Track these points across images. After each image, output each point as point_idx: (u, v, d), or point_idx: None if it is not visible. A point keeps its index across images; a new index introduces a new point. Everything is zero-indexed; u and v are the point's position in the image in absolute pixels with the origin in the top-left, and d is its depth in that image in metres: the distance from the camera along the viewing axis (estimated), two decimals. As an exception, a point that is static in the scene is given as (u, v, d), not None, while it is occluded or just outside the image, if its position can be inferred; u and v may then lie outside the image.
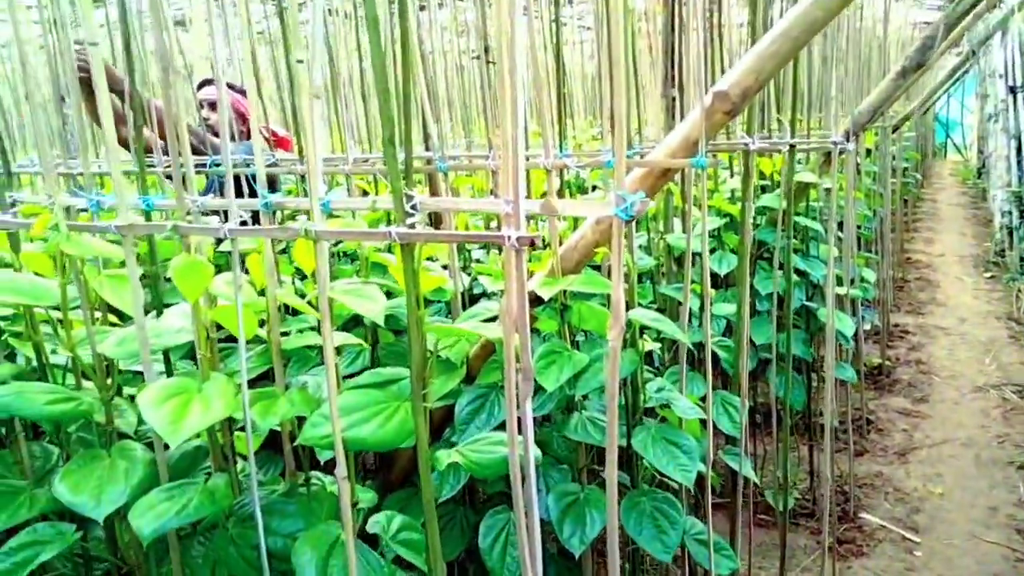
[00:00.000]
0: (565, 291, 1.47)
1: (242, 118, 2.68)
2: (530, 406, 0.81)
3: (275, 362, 1.08)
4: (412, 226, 0.91)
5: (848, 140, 2.12)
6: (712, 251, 2.96)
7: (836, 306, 2.56)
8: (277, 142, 2.76)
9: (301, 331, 1.27)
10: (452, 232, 0.82)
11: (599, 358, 1.46)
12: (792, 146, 1.96)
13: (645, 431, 1.46)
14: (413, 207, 0.89)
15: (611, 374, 0.84)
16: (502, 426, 1.56)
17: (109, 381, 1.09)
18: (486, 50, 1.57)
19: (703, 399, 2.14)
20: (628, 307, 1.51)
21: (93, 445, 1.09)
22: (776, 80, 2.32)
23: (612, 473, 0.87)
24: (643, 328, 1.54)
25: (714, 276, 2.69)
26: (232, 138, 2.68)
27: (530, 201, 0.82)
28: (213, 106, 2.62)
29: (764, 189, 3.24)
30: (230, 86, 2.61)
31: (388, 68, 1.65)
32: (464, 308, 1.73)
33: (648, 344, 1.56)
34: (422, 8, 3.09)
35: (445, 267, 1.78)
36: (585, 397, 1.55)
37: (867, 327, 4.05)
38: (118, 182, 0.99)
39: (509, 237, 0.73)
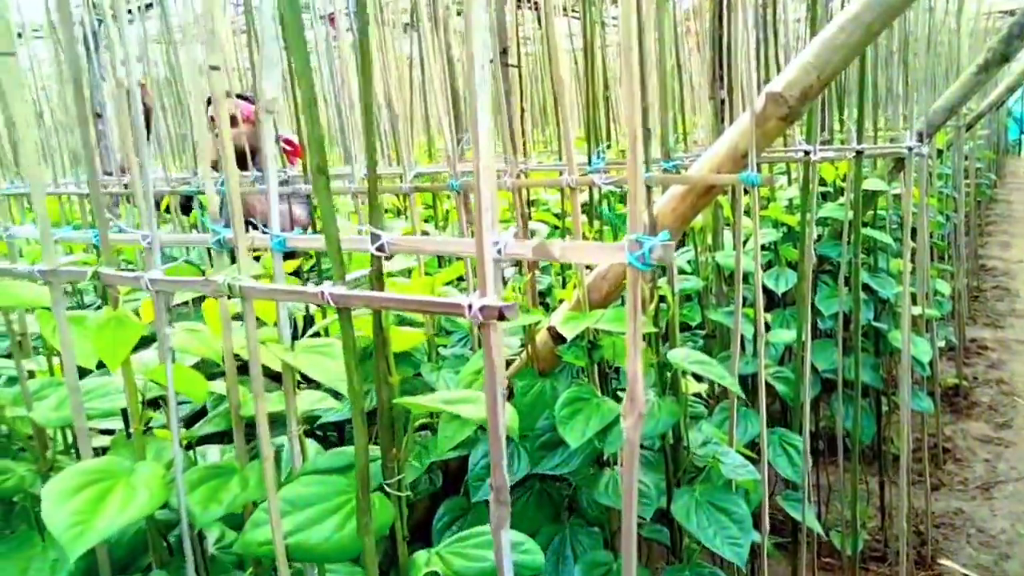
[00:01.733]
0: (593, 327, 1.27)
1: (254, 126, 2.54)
2: (507, 538, 0.61)
3: (235, 428, 0.91)
4: (378, 274, 0.73)
5: (922, 142, 1.86)
6: (768, 267, 2.71)
7: (910, 327, 2.29)
8: (292, 152, 2.59)
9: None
10: (398, 297, 0.62)
11: (633, 406, 1.25)
12: (859, 152, 1.72)
13: (688, 494, 1.24)
14: (380, 248, 0.70)
15: (627, 470, 0.63)
16: (523, 482, 1.36)
17: (48, 452, 0.93)
18: (504, 52, 1.38)
19: (758, 440, 1.91)
20: (663, 338, 1.30)
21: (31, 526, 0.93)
22: (838, 78, 2.07)
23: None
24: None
25: (771, 295, 2.45)
26: (253, 156, 2.53)
27: (516, 243, 0.62)
28: (233, 120, 2.47)
29: (825, 197, 2.97)
30: (240, 96, 2.48)
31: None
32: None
33: (693, 386, 1.34)
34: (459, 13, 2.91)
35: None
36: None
37: (941, 343, 3.72)
38: (42, 216, 0.83)
39: (470, 306, 0.53)
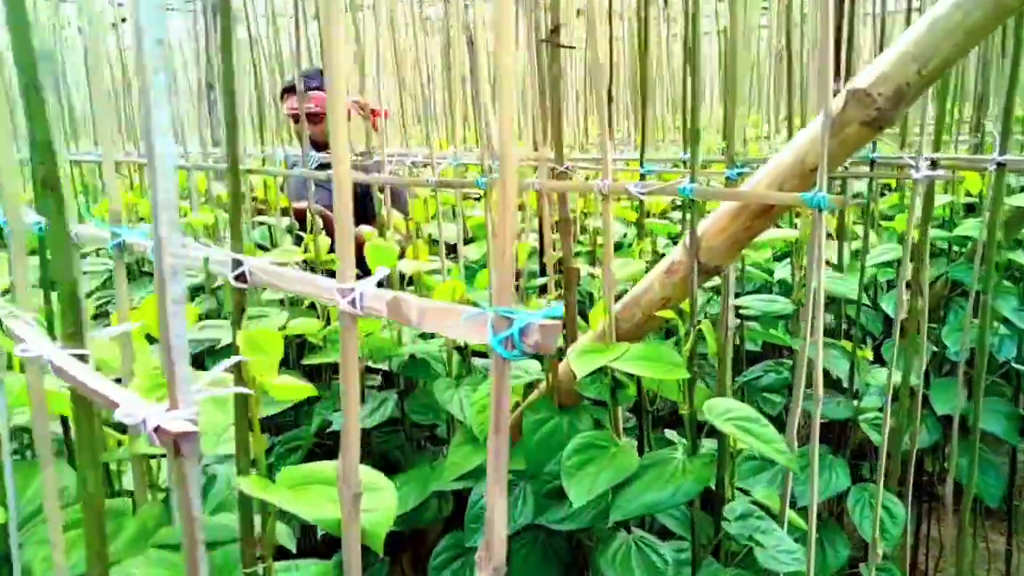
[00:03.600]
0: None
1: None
2: None
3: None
4: (240, 310, 0.56)
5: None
6: (890, 288, 2.35)
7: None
8: (360, 113, 2.40)
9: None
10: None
11: (660, 463, 1.03)
12: (1001, 164, 1.38)
13: (713, 578, 1.02)
14: (240, 276, 0.54)
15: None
16: (528, 529, 1.18)
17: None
18: (555, 30, 1.17)
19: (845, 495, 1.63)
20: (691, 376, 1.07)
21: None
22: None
23: None
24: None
25: (888, 325, 2.11)
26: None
27: (375, 295, 0.44)
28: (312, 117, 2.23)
29: (971, 209, 2.55)
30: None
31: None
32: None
33: (740, 442, 1.10)
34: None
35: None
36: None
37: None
38: None
39: (145, 421, 0.35)
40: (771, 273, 2.22)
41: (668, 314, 1.01)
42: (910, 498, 1.73)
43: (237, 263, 0.53)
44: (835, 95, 1.47)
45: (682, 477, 0.97)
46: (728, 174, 1.06)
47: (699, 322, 0.98)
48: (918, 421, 1.75)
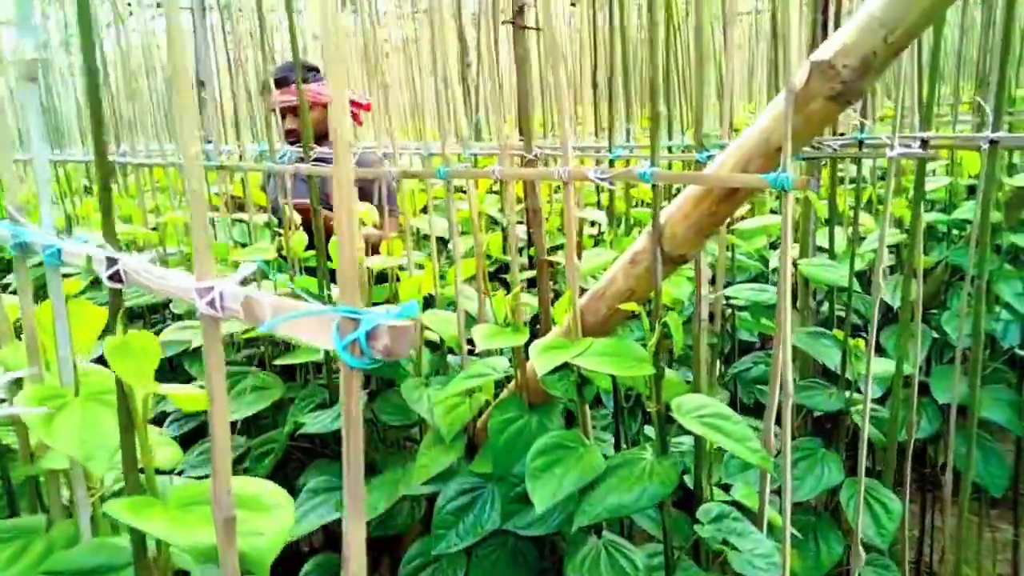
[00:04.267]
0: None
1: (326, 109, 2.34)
2: None
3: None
4: (116, 310, 0.51)
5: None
6: (891, 273, 2.28)
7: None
8: (356, 109, 2.35)
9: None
10: None
11: (628, 464, 0.97)
12: (994, 142, 1.32)
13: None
14: (114, 276, 0.49)
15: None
16: (496, 534, 1.13)
17: None
18: (519, 11, 1.12)
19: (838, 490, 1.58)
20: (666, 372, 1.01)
21: None
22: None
23: None
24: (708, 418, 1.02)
25: (888, 312, 2.05)
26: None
27: (238, 293, 0.39)
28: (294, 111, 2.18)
29: (973, 192, 2.48)
30: (307, 68, 2.27)
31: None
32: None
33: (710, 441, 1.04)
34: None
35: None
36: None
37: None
38: None
39: None
40: (766, 262, 2.16)
41: (632, 307, 0.96)
42: (908, 490, 1.68)
43: (111, 261, 0.48)
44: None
45: (648, 480, 0.92)
46: (698, 157, 1.00)
47: (662, 317, 0.92)
48: (914, 410, 1.69)
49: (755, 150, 0.83)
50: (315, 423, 1.35)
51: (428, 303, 1.39)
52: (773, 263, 1.90)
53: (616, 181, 0.95)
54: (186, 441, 1.86)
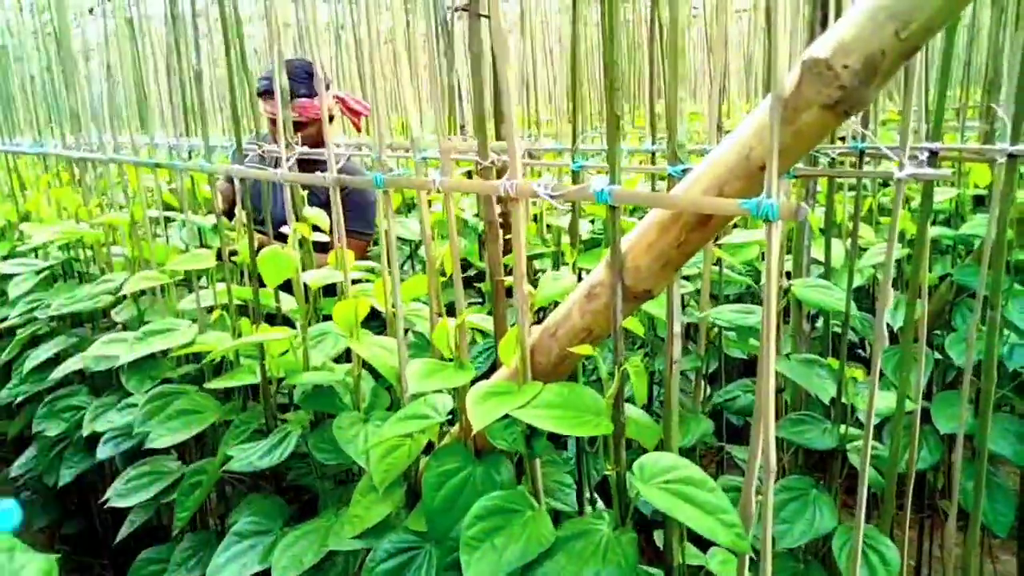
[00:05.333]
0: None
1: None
2: None
3: None
4: None
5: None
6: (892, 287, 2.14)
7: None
8: (347, 114, 2.15)
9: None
10: None
11: (581, 535, 0.82)
12: (1013, 156, 1.17)
13: None
14: None
15: None
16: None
17: None
18: (473, -3, 0.96)
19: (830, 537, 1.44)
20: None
21: None
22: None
23: None
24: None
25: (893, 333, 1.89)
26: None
27: None
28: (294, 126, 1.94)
29: (981, 202, 2.33)
30: (302, 70, 2.02)
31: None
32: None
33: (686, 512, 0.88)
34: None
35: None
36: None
37: None
38: None
39: None
40: (758, 275, 2.01)
41: (585, 350, 0.80)
42: (907, 527, 1.53)
43: None
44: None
45: (602, 560, 0.77)
46: (670, 171, 0.85)
47: (625, 360, 0.77)
48: (916, 441, 1.54)
49: (733, 168, 0.68)
50: (243, 458, 1.20)
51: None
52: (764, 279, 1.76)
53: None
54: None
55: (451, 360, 0.97)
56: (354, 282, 1.38)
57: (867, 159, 1.21)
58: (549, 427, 0.76)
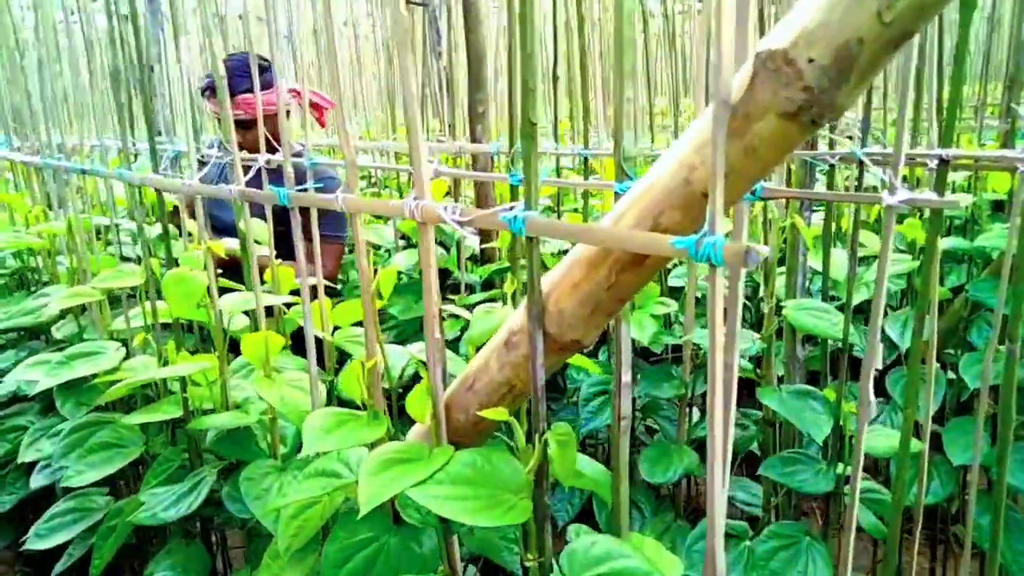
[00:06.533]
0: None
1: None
2: None
3: None
4: None
5: None
6: (892, 308, 1.97)
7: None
8: (310, 110, 1.97)
9: None
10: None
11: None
12: (1036, 164, 1.00)
13: None
14: None
15: None
16: None
17: None
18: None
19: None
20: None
21: None
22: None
23: None
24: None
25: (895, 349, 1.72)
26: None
27: None
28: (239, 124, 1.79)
29: (1000, 208, 2.15)
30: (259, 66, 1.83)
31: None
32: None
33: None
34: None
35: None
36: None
37: None
38: None
39: None
40: (757, 288, 1.85)
41: (498, 414, 0.65)
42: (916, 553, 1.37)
43: None
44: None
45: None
46: (617, 189, 0.69)
47: (547, 429, 0.62)
48: (925, 475, 1.37)
49: (672, 193, 0.52)
50: (151, 506, 1.06)
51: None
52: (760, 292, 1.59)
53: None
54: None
55: (364, 408, 0.82)
56: (288, 306, 1.24)
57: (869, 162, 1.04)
58: (448, 513, 0.61)
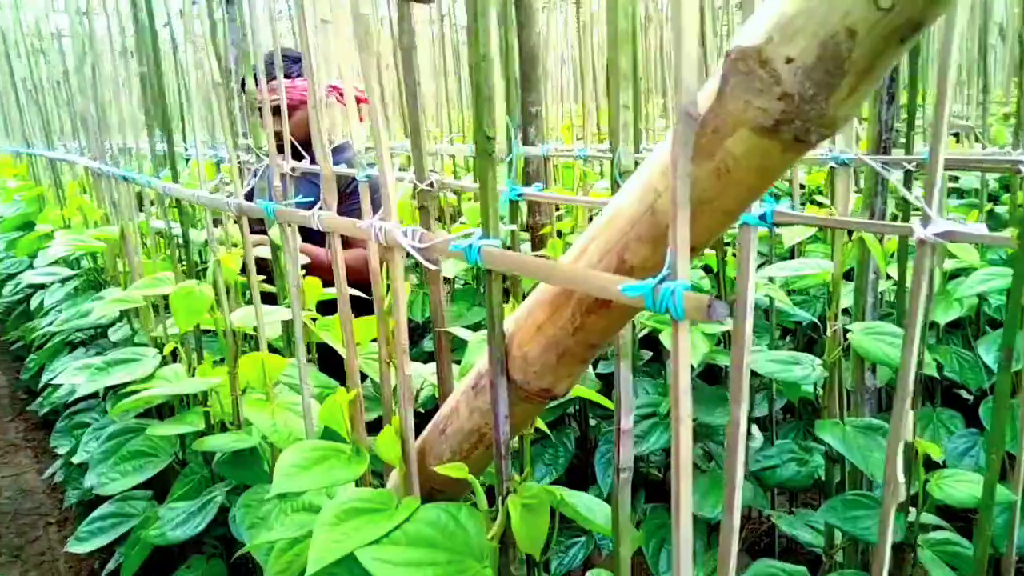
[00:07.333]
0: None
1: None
2: None
3: None
4: None
5: None
6: (990, 326, 1.77)
7: None
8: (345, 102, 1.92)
9: None
10: None
11: None
12: None
13: None
14: None
15: None
16: None
17: None
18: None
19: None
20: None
21: None
22: None
23: None
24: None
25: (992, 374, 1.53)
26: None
27: None
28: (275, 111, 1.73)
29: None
30: (291, 59, 1.84)
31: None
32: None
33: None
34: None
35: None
36: None
37: None
38: None
39: None
40: (818, 302, 1.69)
41: (456, 471, 0.57)
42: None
43: None
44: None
45: None
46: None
47: (510, 492, 0.53)
48: (1016, 524, 1.19)
49: (637, 224, 0.43)
50: (159, 526, 1.03)
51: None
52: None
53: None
54: None
55: (346, 442, 0.76)
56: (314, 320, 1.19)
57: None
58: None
